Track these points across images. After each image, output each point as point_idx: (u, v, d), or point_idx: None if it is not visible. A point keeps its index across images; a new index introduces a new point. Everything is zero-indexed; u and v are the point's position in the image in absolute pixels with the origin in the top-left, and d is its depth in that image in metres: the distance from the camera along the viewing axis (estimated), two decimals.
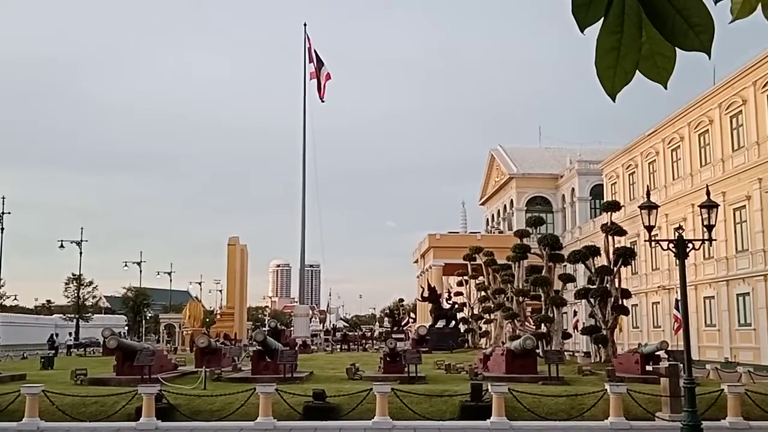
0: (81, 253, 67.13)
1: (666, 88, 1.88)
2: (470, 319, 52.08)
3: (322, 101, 59.51)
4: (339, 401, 18.76)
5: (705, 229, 16.22)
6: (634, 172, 55.03)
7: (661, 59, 1.83)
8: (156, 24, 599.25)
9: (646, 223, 16.75)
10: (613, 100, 1.88)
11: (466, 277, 54.14)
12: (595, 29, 1.83)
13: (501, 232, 76.36)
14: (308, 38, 60.19)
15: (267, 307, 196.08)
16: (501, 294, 43.42)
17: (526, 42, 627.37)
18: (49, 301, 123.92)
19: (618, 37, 1.80)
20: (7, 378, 24.20)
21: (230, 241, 66.39)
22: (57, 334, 61.58)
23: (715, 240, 23.95)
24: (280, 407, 18.15)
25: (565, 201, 73.31)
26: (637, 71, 1.85)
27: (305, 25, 60.53)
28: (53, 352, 48.05)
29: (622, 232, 33.47)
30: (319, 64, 59.54)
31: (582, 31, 1.79)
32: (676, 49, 1.83)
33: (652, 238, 16.87)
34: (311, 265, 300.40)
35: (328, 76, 59.88)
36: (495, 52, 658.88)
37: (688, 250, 15.58)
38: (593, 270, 32.84)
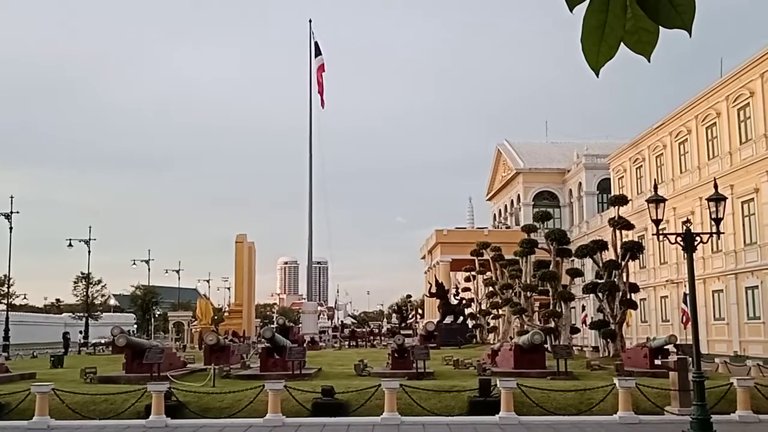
0: (90, 251, 67.41)
1: (649, 60, 1.98)
2: (478, 315, 52.09)
3: (322, 106, 59.55)
4: (347, 397, 18.80)
5: (713, 223, 16.14)
6: (641, 165, 54.85)
7: (645, 34, 1.93)
8: (164, 24, 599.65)
9: (654, 217, 16.68)
10: (597, 75, 1.98)
11: (473, 273, 54.12)
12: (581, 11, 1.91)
13: (508, 228, 76.25)
14: (313, 34, 60.26)
15: (275, 304, 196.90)
16: (509, 289, 43.37)
17: (532, 36, 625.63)
18: (58, 300, 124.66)
19: (603, 16, 1.90)
20: (17, 377, 24.35)
21: (238, 238, 66.59)
22: (68, 333, 61.75)
23: (723, 233, 23.85)
24: (289, 404, 18.20)
25: (572, 195, 73.15)
26: (623, 45, 1.95)
27: (310, 21, 60.67)
28: (64, 350, 48.20)
29: (629, 226, 33.37)
30: (317, 54, 59.49)
31: (571, 11, 1.89)
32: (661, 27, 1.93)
33: (660, 232, 16.81)
34: (319, 262, 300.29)
35: (322, 68, 59.80)
36: (501, 47, 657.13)
37: (696, 243, 15.52)
38: (601, 264, 32.77)
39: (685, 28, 1.87)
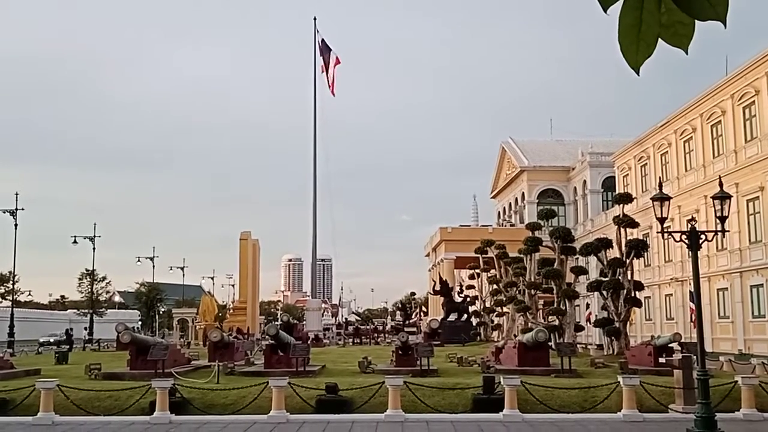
0: (94, 248, 67.45)
1: (687, 53, 1.99)
2: (482, 312, 52.03)
3: (333, 95, 59.81)
4: (351, 395, 18.81)
5: (718, 221, 16.10)
6: (646, 163, 54.76)
7: (681, 27, 1.94)
8: (164, 24, 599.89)
9: (659, 215, 16.65)
10: (637, 73, 1.99)
11: (477, 271, 54.05)
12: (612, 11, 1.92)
13: (512, 225, 76.18)
14: (318, 32, 60.33)
15: (279, 301, 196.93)
16: (513, 287, 43.31)
17: (536, 35, 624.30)
18: (63, 297, 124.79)
19: (638, 13, 1.91)
20: (22, 373, 24.43)
21: (242, 235, 66.59)
22: (72, 329, 61.71)
23: (728, 231, 23.82)
24: (293, 401, 18.23)
25: (576, 193, 73.06)
26: (660, 40, 1.96)
27: (315, 19, 60.64)
28: (68, 346, 48.24)
29: (634, 224, 33.30)
30: (327, 51, 59.63)
31: (605, 11, 1.90)
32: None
33: (665, 230, 16.76)
34: (323, 260, 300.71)
35: (338, 61, 59.90)
36: (503, 45, 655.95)
37: (701, 241, 15.47)
38: (605, 262, 32.70)
39: (719, 19, 1.87)
